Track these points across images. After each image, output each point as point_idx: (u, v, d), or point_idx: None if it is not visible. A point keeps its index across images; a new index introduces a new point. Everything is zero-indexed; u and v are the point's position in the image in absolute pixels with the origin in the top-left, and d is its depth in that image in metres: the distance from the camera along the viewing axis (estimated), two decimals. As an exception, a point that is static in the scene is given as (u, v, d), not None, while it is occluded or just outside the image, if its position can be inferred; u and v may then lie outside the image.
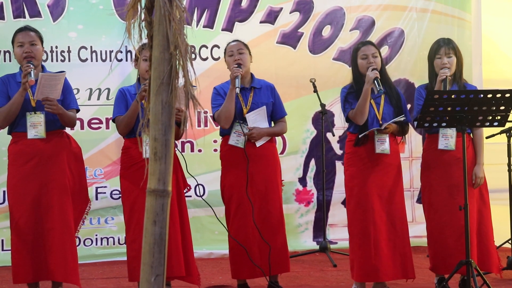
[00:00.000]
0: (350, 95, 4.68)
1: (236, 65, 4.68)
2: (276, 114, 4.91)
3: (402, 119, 4.63)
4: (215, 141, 6.28)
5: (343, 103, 4.70)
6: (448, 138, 4.67)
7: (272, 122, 4.94)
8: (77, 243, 4.69)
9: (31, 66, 4.32)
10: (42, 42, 4.56)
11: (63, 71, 4.39)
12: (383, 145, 4.63)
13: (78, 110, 4.68)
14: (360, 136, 4.59)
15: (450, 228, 4.64)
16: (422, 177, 4.84)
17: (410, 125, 4.92)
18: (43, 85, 4.26)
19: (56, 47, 6.18)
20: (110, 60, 6.24)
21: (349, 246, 4.73)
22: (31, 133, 4.42)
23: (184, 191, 4.73)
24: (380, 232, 4.56)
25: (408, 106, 6.68)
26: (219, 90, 4.84)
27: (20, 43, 4.47)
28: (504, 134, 5.40)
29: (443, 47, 4.73)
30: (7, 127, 4.54)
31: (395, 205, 4.65)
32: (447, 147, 4.68)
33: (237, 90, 4.62)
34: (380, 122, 4.65)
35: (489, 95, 4.25)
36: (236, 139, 4.76)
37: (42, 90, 4.28)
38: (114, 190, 6.25)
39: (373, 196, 4.58)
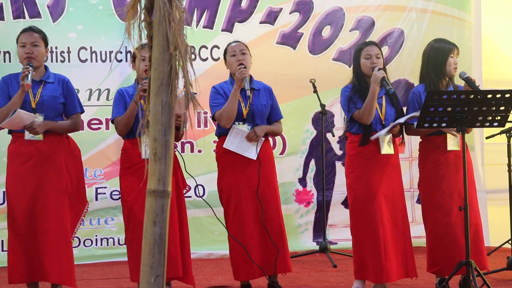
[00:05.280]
0: (355, 95, 4.67)
1: (243, 66, 4.68)
2: (273, 116, 4.92)
3: (417, 114, 4.58)
4: (215, 142, 6.27)
5: (347, 103, 4.67)
6: (455, 139, 4.67)
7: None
8: (76, 244, 4.69)
9: (30, 68, 4.33)
10: (46, 43, 4.58)
11: (35, 116, 4.41)
12: (390, 145, 4.64)
13: (82, 112, 4.71)
14: (372, 138, 4.57)
15: (461, 229, 4.60)
16: (430, 178, 4.76)
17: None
18: (15, 117, 4.29)
19: (56, 47, 6.17)
20: (110, 61, 6.24)
21: (354, 247, 4.70)
22: (28, 134, 4.44)
23: (184, 191, 4.74)
24: (387, 233, 4.57)
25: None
26: (219, 89, 4.84)
27: (22, 43, 4.49)
28: (504, 134, 5.40)
29: (455, 48, 4.76)
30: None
31: (398, 205, 4.67)
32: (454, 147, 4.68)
33: (248, 92, 4.62)
34: (383, 123, 4.65)
35: (489, 96, 4.25)
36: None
37: (13, 121, 4.32)
38: (114, 191, 6.25)
39: (379, 197, 4.59)
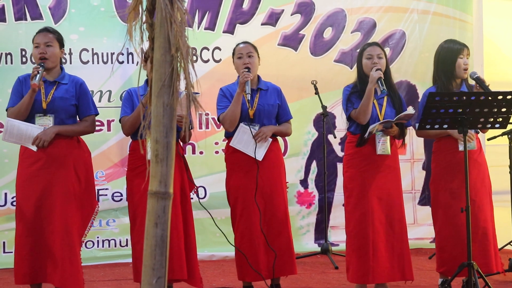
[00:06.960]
0: (353, 95, 4.67)
1: (246, 69, 4.67)
2: (282, 116, 4.89)
3: (412, 111, 4.55)
4: (216, 143, 6.28)
5: (346, 102, 4.69)
6: (469, 140, 4.65)
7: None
8: (81, 246, 4.68)
9: (40, 68, 4.32)
10: (61, 44, 4.58)
11: (41, 128, 4.43)
12: (384, 146, 4.63)
13: (97, 114, 4.70)
14: (366, 136, 4.57)
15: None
16: (441, 178, 4.74)
17: (408, 128, 4.88)
18: (10, 127, 4.35)
19: (58, 49, 6.17)
20: (112, 62, 6.24)
21: (346, 247, 4.71)
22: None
23: (191, 193, 4.75)
24: (378, 234, 4.55)
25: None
26: (225, 91, 4.81)
27: (36, 44, 4.49)
28: (506, 136, 5.40)
29: (465, 48, 4.75)
30: None
31: (394, 207, 4.63)
32: (469, 147, 4.62)
33: (248, 96, 4.61)
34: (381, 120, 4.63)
35: (490, 97, 4.24)
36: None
37: (12, 133, 4.37)
38: (115, 192, 6.25)
39: (372, 197, 4.57)
